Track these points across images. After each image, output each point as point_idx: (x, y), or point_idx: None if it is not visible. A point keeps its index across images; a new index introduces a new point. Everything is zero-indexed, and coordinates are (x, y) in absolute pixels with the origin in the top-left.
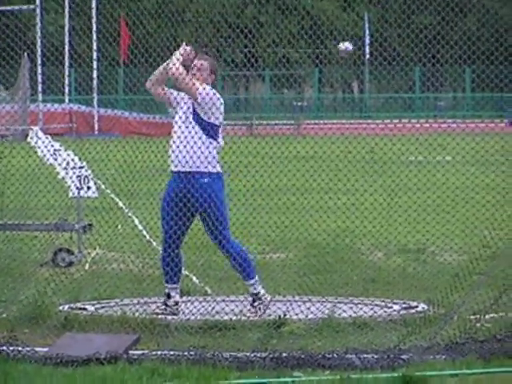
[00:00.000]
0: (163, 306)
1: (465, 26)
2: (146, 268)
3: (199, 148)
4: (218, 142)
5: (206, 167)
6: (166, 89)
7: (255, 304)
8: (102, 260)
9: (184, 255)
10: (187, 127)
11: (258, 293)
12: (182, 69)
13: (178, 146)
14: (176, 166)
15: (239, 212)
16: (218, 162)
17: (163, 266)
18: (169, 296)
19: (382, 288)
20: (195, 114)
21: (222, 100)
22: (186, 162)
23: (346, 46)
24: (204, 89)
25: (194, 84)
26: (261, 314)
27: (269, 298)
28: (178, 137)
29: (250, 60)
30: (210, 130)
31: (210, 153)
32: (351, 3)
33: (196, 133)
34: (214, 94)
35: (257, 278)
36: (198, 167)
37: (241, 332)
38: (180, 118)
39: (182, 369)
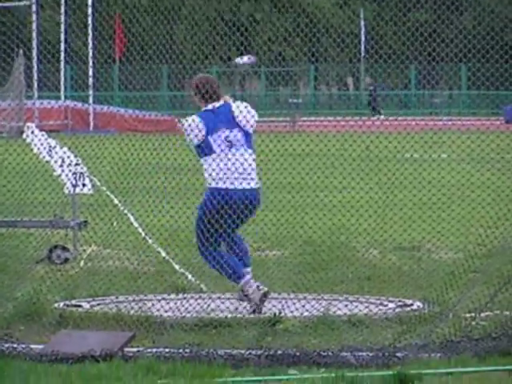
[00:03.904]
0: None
1: (461, 23)
2: (141, 265)
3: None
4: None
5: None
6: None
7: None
8: (98, 257)
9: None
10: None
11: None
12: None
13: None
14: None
15: None
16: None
17: (227, 268)
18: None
19: (378, 286)
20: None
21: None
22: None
23: (244, 60)
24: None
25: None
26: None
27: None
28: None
29: None
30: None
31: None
32: (347, 0)
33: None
34: (185, 122)
35: (247, 277)
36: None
37: (236, 329)
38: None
39: (177, 366)
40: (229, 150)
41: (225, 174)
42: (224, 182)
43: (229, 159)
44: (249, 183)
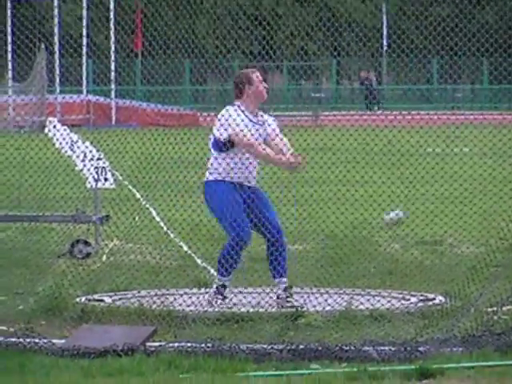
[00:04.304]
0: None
1: (482, 18)
2: (163, 259)
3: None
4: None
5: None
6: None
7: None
8: (120, 251)
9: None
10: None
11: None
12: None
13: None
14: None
15: None
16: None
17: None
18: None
19: (400, 280)
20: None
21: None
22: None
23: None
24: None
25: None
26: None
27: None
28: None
29: (268, 51)
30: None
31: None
32: None
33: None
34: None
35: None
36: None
37: (258, 324)
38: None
39: (199, 361)
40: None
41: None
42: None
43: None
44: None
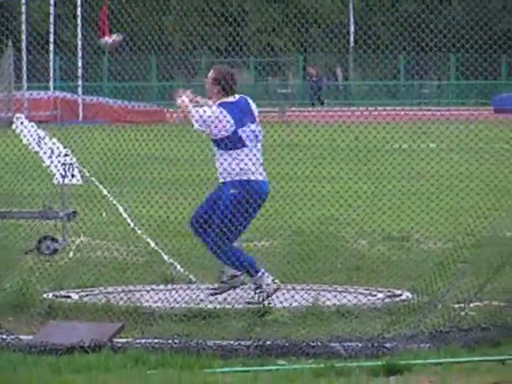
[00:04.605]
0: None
1: (449, 13)
2: (130, 256)
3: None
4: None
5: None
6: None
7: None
8: (87, 248)
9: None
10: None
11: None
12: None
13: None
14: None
15: None
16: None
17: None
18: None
19: (366, 276)
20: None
21: (219, 113)
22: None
23: (107, 39)
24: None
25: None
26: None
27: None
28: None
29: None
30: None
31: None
32: None
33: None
34: (209, 113)
35: (262, 271)
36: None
37: (225, 320)
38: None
39: (166, 357)
40: (256, 142)
41: (254, 165)
42: (259, 174)
43: (258, 151)
44: (265, 175)
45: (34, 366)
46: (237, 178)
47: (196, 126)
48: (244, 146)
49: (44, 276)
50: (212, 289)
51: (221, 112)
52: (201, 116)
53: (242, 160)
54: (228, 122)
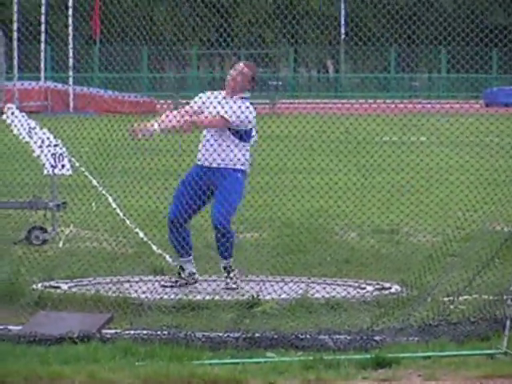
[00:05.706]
0: (175, 279)
1: (440, 6)
2: (119, 246)
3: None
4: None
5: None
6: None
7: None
8: (76, 238)
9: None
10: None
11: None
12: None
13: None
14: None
15: None
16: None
17: (173, 243)
18: (182, 268)
19: (356, 269)
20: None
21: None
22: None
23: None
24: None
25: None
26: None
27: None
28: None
29: (226, 39)
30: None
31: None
32: None
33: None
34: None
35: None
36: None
37: (214, 312)
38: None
39: (154, 348)
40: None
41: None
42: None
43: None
44: None
45: (22, 357)
46: (242, 168)
47: (232, 119)
48: (251, 138)
49: (33, 266)
50: (168, 281)
51: (250, 105)
52: (234, 112)
53: (248, 151)
54: (254, 116)
